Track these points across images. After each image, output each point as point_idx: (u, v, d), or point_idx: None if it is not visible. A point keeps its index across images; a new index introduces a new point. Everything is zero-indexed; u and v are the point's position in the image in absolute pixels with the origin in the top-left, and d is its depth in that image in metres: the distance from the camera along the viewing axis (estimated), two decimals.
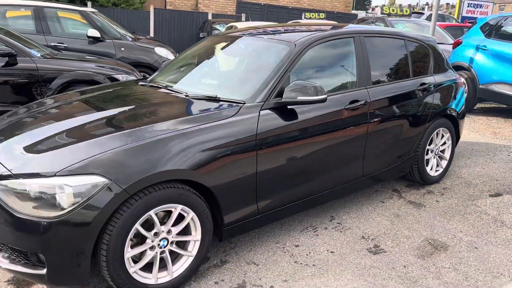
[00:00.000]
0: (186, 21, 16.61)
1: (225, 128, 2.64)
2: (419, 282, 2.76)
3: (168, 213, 2.50)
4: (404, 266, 2.93)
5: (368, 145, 3.46)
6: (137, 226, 2.33)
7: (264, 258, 2.97)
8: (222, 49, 3.71)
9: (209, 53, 3.79)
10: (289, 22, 14.67)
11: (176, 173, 2.41)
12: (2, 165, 2.32)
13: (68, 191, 2.15)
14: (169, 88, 3.29)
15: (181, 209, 2.49)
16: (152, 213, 2.37)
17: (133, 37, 8.92)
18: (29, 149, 2.42)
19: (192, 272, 2.63)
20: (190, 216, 2.54)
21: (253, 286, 2.66)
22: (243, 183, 2.71)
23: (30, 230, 2.16)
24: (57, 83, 5.63)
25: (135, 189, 2.27)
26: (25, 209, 2.17)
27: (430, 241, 3.27)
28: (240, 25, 10.31)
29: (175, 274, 2.55)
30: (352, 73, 3.46)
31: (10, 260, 2.32)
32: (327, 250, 3.10)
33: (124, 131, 2.46)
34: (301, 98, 2.83)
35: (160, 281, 2.50)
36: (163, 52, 8.69)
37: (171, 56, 8.72)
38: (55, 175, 2.18)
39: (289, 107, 2.94)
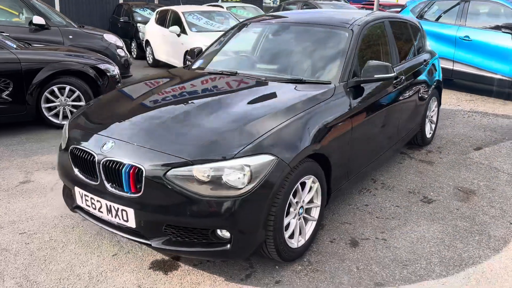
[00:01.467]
0: (95, 5, 15.67)
1: (333, 106, 3.02)
2: (475, 219, 3.46)
3: (301, 184, 2.81)
4: (457, 209, 3.61)
5: (402, 114, 4.07)
6: (291, 197, 2.62)
7: (350, 218, 3.42)
8: (274, 36, 3.98)
9: (262, 40, 4.04)
10: (206, 5, 14.79)
11: (312, 148, 2.73)
12: (174, 155, 2.42)
13: (248, 171, 2.36)
14: (243, 74, 3.51)
15: (312, 180, 2.81)
16: (298, 184, 2.67)
17: (78, 24, 8.42)
18: (196, 136, 2.56)
19: (315, 234, 2.98)
20: (316, 185, 2.87)
21: (362, 240, 3.10)
22: (344, 151, 3.12)
23: (218, 209, 2.34)
24: (43, 75, 5.28)
25: (294, 164, 2.55)
26: (209, 192, 2.34)
27: (459, 188, 4.02)
28: (180, 9, 10.20)
29: (307, 237, 2.88)
30: (386, 52, 4.00)
31: (184, 245, 2.46)
32: (393, 205, 3.65)
33: (274, 112, 2.73)
34: (377, 76, 3.29)
35: (300, 244, 2.82)
36: (112, 38, 8.37)
37: (120, 43, 8.45)
38: (233, 157, 2.37)
39: (362, 84, 3.39)
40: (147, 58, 11.46)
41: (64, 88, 5.52)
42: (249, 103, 2.93)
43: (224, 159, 2.37)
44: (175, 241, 2.48)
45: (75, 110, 5.60)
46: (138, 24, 12.77)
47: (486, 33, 7.28)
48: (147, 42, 11.37)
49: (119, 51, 8.29)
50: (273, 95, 3.07)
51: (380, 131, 3.69)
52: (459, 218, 3.46)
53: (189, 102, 3.02)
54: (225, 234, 2.43)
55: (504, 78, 7.02)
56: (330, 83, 3.23)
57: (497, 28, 7.16)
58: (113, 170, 2.50)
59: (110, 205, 2.56)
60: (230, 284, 2.59)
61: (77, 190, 2.75)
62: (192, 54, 4.36)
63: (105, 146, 2.58)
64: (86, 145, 2.68)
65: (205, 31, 9.53)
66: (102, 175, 2.55)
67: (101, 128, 2.78)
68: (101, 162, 2.53)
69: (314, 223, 2.96)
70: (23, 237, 3.04)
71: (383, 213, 3.51)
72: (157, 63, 10.97)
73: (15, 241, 2.99)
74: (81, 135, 2.81)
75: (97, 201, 2.62)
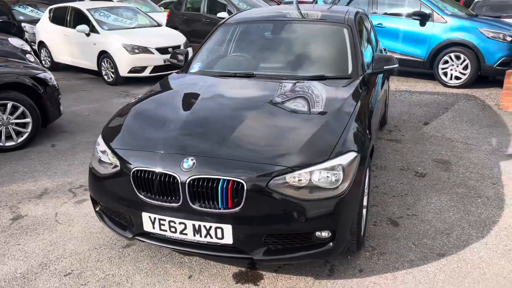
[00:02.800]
0: None
1: (365, 97, 3.22)
2: (467, 184, 4.00)
3: None
4: (448, 179, 4.12)
5: (382, 97, 4.46)
6: None
7: (372, 200, 3.69)
8: (274, 34, 4.00)
9: (262, 38, 4.03)
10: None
11: (371, 139, 2.92)
12: (274, 164, 2.38)
13: (342, 170, 2.44)
14: (261, 74, 3.51)
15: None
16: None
17: None
18: (284, 141, 2.56)
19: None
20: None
21: (398, 219, 3.40)
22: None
23: (322, 212, 2.38)
24: None
25: (366, 156, 2.70)
26: (311, 195, 2.37)
27: (436, 160, 4.57)
28: (83, 6, 9.30)
29: (363, 224, 3.07)
30: (370, 43, 4.33)
31: (286, 251, 2.45)
32: (398, 183, 4.02)
33: (336, 110, 2.86)
34: (386, 67, 3.58)
35: (362, 232, 2.99)
36: (18, 42, 7.40)
37: (27, 47, 7.51)
38: (329, 159, 2.43)
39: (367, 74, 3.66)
40: (43, 61, 10.32)
41: (5, 105, 4.79)
42: (304, 103, 2.99)
43: (322, 161, 2.42)
44: (275, 249, 2.47)
45: (21, 129, 4.92)
46: (23, 24, 11.38)
47: (397, 20, 8.14)
48: (41, 43, 10.23)
49: (28, 56, 7.36)
50: (318, 93, 3.16)
51: (378, 114, 4.02)
52: (455, 186, 3.97)
53: (245, 108, 2.97)
54: (324, 234, 2.48)
55: (418, 59, 7.97)
56: (350, 77, 3.42)
57: (408, 15, 8.04)
58: (203, 188, 2.37)
59: (198, 225, 2.42)
60: (323, 281, 2.66)
61: (145, 215, 2.52)
62: (175, 56, 4.16)
63: (185, 164, 2.42)
64: (158, 166, 2.47)
65: (118, 28, 8.95)
66: (187, 195, 2.39)
67: (166, 145, 2.58)
68: (186, 182, 2.37)
69: (365, 210, 3.15)
70: (73, 278, 2.69)
71: (395, 191, 3.85)
72: (56, 66, 9.97)
73: (70, 285, 2.62)
74: (143, 156, 2.56)
75: (180, 223, 2.45)
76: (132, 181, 2.52)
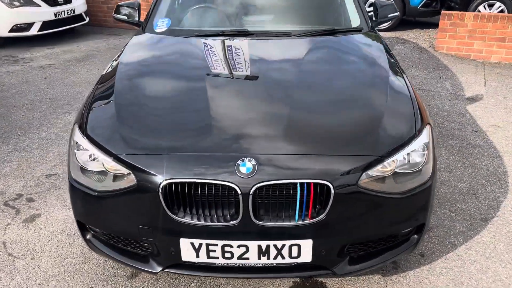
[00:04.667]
0: None
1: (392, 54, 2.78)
2: (454, 133, 3.89)
3: None
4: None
5: None
6: None
7: None
8: None
9: None
10: None
11: None
12: (360, 155, 1.83)
13: (425, 148, 2.01)
14: (260, 32, 2.82)
15: None
16: None
17: None
18: (357, 123, 2.03)
19: None
20: None
21: None
22: None
23: (418, 203, 1.95)
24: None
25: None
26: (402, 186, 1.91)
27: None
28: None
29: None
30: None
31: (371, 257, 1.99)
32: None
33: (386, 75, 2.38)
34: (390, 15, 3.15)
35: None
36: None
37: None
38: (415, 137, 1.97)
39: None
40: None
41: None
42: (349, 68, 2.47)
43: (408, 142, 1.94)
44: (358, 257, 1.99)
45: None
46: None
47: None
48: None
49: None
50: (353, 52, 2.64)
51: None
52: (446, 138, 3.83)
53: (281, 81, 2.32)
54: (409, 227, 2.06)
55: None
56: (361, 30, 2.92)
57: None
58: (271, 198, 1.75)
59: (266, 246, 1.81)
60: (393, 276, 2.28)
61: (185, 243, 1.82)
62: (120, 10, 3.21)
63: (243, 168, 1.75)
64: (202, 175, 1.75)
65: None
66: (250, 210, 1.75)
67: (204, 142, 1.86)
68: (250, 192, 1.72)
69: None
70: None
71: None
72: None
73: None
74: (172, 161, 1.81)
75: (239, 246, 1.81)
76: (161, 198, 1.78)
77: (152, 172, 1.79)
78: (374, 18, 3.18)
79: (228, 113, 2.03)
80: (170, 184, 1.76)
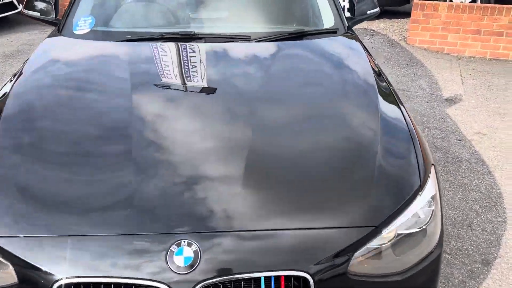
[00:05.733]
0: None
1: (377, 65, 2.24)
2: (436, 143, 3.45)
3: None
4: None
5: None
6: None
7: None
8: None
9: None
10: None
11: None
12: (348, 227, 1.28)
13: (432, 201, 1.49)
14: (209, 34, 2.19)
15: None
16: None
17: None
18: (341, 177, 1.48)
19: None
20: None
21: None
22: None
23: (426, 276, 1.44)
24: None
25: None
26: (405, 259, 1.38)
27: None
28: None
29: None
30: None
31: None
32: None
33: (383, 106, 1.81)
34: (369, 12, 2.61)
35: None
36: None
37: None
38: (419, 191, 1.44)
39: None
40: None
41: None
42: (324, 90, 1.88)
43: (413, 198, 1.41)
44: None
45: None
46: None
47: None
48: None
49: None
50: (329, 65, 2.07)
51: None
52: None
53: (234, 116, 1.71)
54: None
55: None
56: (336, 31, 2.35)
57: None
58: None
59: None
60: None
61: None
62: (32, 5, 2.52)
63: (177, 257, 1.17)
64: (115, 269, 1.16)
65: None
66: None
67: (118, 219, 1.25)
68: None
69: None
70: None
71: None
72: None
73: None
74: (72, 251, 1.19)
75: None
76: None
77: (39, 266, 1.18)
78: (350, 15, 2.62)
79: (158, 169, 1.42)
80: (68, 286, 1.16)
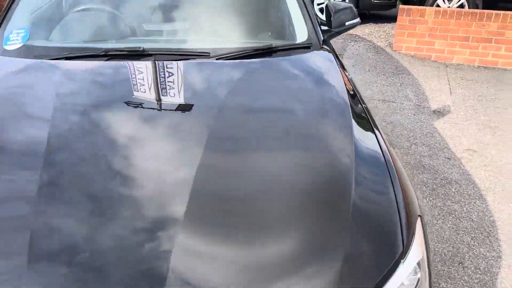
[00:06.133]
0: None
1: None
2: (424, 161, 3.18)
3: None
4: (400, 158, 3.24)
5: None
6: None
7: None
8: None
9: None
10: None
11: None
12: None
13: (418, 266, 1.20)
14: (159, 50, 1.88)
15: None
16: None
17: None
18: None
19: None
20: None
21: None
22: None
23: None
24: None
25: None
26: None
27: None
28: None
29: None
30: None
31: None
32: None
33: (360, 147, 1.52)
34: (348, 23, 2.33)
35: None
36: None
37: None
38: (402, 256, 1.15)
39: None
40: None
41: None
42: (284, 124, 1.57)
43: (394, 268, 1.12)
44: None
45: None
46: None
47: None
48: None
49: None
50: (300, 89, 1.76)
51: None
52: (414, 169, 3.11)
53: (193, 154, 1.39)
54: None
55: None
56: (310, 46, 2.06)
57: None
58: None
59: None
60: None
61: None
62: None
63: None
64: None
65: None
66: None
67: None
68: None
69: None
70: None
71: None
72: None
73: None
74: None
75: None
76: None
77: None
78: (326, 28, 2.33)
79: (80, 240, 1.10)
80: None
